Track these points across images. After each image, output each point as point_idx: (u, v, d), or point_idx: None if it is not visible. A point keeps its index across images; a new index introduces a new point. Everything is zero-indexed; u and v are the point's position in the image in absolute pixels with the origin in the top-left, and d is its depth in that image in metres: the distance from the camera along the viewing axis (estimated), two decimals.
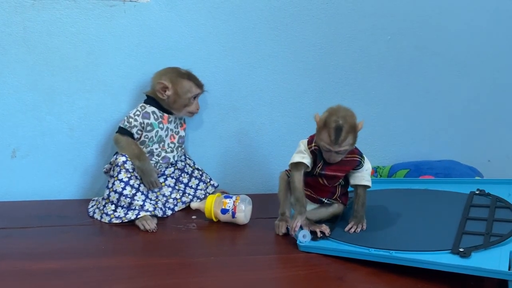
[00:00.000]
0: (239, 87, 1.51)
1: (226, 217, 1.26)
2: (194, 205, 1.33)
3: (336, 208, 1.21)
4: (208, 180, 1.45)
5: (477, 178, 1.44)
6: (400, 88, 1.61)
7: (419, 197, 1.32)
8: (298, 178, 1.14)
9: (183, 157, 1.43)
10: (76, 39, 1.38)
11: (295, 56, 1.52)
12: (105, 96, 1.42)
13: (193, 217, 1.32)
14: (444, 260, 0.96)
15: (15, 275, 0.97)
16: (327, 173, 1.15)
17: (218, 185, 1.46)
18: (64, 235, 1.17)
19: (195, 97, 1.35)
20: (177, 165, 1.41)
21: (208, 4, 1.43)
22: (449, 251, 0.99)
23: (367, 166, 1.19)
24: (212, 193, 1.37)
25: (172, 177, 1.40)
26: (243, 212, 1.25)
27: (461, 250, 0.97)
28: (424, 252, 1.00)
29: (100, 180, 1.47)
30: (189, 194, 1.40)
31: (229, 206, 1.26)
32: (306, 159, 1.14)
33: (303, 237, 1.11)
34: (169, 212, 1.34)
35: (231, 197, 1.28)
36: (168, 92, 1.32)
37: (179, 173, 1.41)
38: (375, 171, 1.58)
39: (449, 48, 1.61)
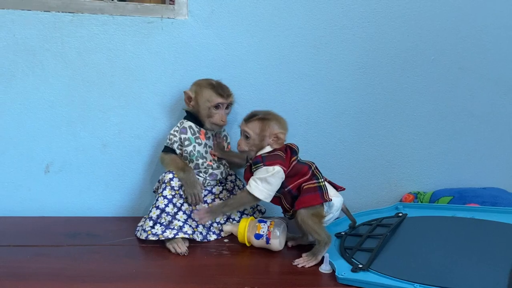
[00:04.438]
0: (274, 106, 1.46)
1: (260, 243, 1.21)
2: (227, 228, 1.28)
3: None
4: (255, 205, 1.40)
5: None
6: (443, 110, 1.54)
7: (465, 227, 1.25)
8: None
9: (233, 177, 1.39)
10: (112, 55, 1.37)
11: (333, 76, 1.47)
12: (139, 113, 1.41)
13: (225, 240, 1.28)
14: None
15: None
16: None
17: (265, 210, 1.41)
18: (94, 255, 1.15)
19: (216, 106, 1.29)
20: (226, 186, 1.36)
21: (245, 21, 1.40)
22: None
23: (258, 173, 1.14)
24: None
25: (221, 198, 1.34)
26: (278, 238, 1.20)
27: None
28: None
29: (131, 198, 1.45)
30: (233, 219, 1.34)
31: (263, 231, 1.20)
32: None
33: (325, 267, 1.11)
34: (212, 237, 1.28)
35: (265, 222, 1.23)
36: (192, 102, 1.30)
37: (228, 195, 1.35)
38: (415, 197, 1.50)
39: (495, 69, 1.53)
